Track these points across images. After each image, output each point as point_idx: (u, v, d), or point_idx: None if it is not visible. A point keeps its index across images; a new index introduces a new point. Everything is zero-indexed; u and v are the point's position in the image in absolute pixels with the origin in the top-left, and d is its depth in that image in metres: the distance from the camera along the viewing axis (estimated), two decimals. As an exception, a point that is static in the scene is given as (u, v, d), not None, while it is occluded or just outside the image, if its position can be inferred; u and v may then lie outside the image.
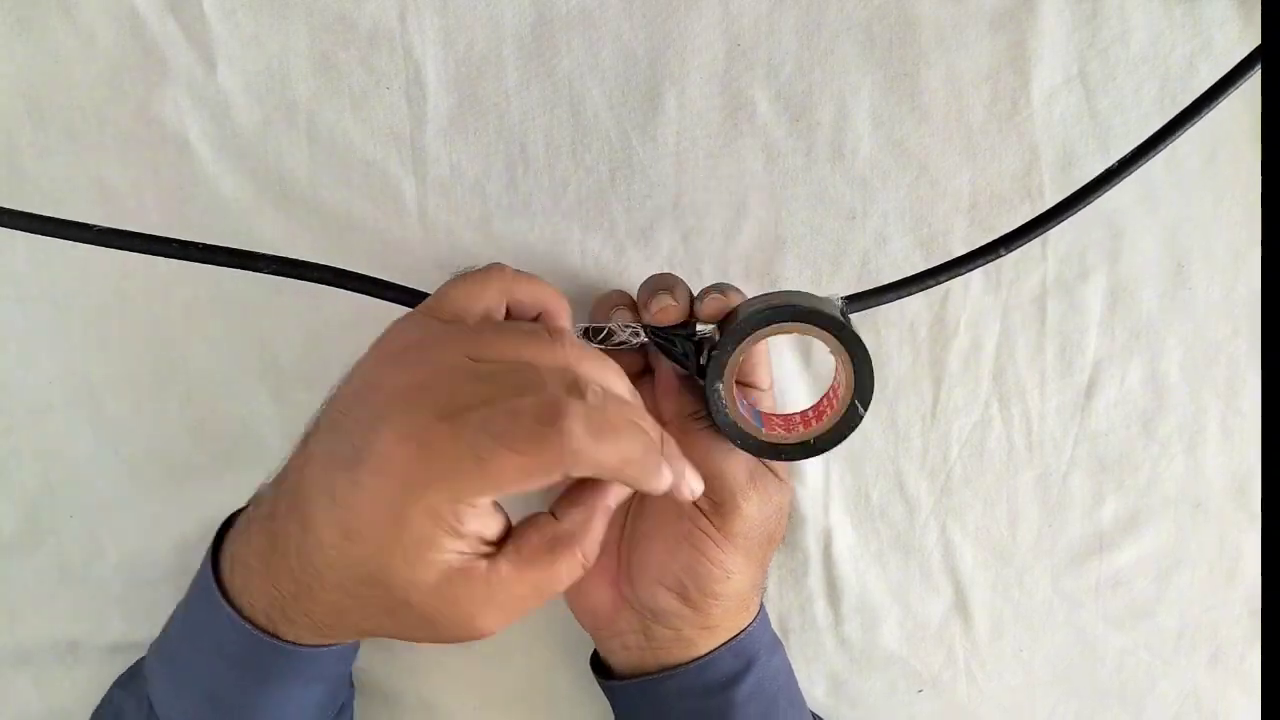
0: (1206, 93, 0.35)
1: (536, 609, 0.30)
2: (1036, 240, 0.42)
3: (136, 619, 0.44)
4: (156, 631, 0.44)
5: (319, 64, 0.40)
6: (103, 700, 0.40)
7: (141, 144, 0.40)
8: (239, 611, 0.33)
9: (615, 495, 0.32)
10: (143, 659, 0.40)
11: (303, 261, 0.36)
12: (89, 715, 0.40)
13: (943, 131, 0.41)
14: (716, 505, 0.37)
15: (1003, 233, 0.37)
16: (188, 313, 0.42)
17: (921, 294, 0.43)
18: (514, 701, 0.46)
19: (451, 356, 0.30)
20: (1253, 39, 0.40)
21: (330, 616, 0.31)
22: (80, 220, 0.34)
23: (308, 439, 0.33)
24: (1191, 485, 0.45)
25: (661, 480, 0.30)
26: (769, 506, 0.38)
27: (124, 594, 0.44)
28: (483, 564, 0.29)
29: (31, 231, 0.35)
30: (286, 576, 0.31)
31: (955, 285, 0.42)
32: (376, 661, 0.46)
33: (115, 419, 0.43)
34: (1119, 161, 0.36)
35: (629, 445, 0.29)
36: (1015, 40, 0.41)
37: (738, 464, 0.37)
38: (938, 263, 0.42)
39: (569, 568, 0.30)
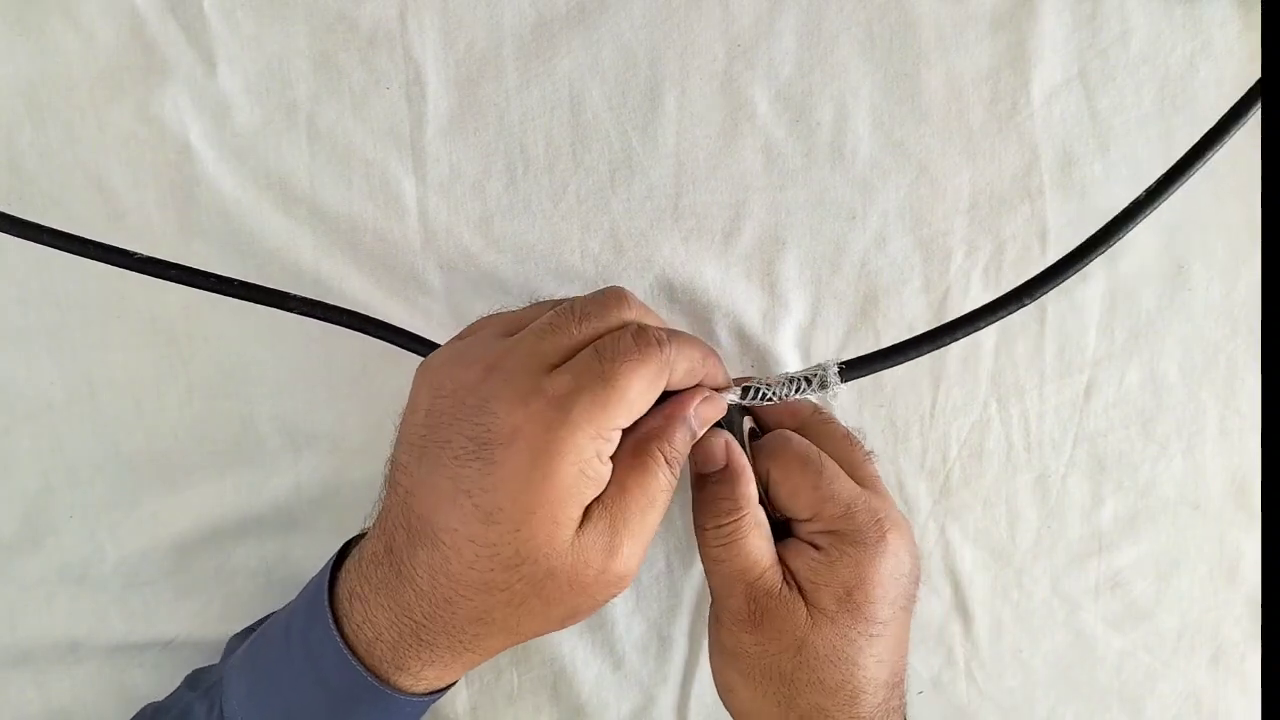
0: (1219, 124, 0.34)
1: (656, 530, 0.32)
2: (1035, 240, 0.42)
3: (136, 619, 0.44)
4: (157, 631, 0.44)
5: (319, 64, 0.40)
6: (170, 697, 0.39)
7: (141, 144, 0.40)
8: (352, 648, 0.32)
9: (690, 402, 0.33)
10: (212, 666, 0.39)
11: (332, 305, 0.37)
12: (89, 715, 0.40)
13: (943, 131, 0.41)
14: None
15: (1012, 286, 0.35)
16: (188, 313, 0.42)
17: (921, 294, 0.43)
18: (513, 701, 0.46)
19: (503, 331, 0.32)
20: (1253, 40, 0.40)
21: (474, 626, 0.31)
22: (122, 247, 0.36)
23: (394, 482, 0.33)
24: (1191, 486, 0.45)
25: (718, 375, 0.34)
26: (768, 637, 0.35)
27: (124, 594, 0.44)
28: (595, 504, 0.31)
29: (75, 253, 0.36)
30: (417, 602, 0.31)
31: (955, 286, 0.42)
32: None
33: (115, 419, 0.43)
34: (1132, 204, 0.34)
35: (693, 349, 0.32)
36: (1015, 40, 0.41)
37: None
38: (937, 264, 0.42)
39: (658, 466, 0.32)
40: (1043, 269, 0.34)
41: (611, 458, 0.31)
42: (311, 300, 0.37)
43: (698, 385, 0.34)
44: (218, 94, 0.40)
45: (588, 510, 0.31)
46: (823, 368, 0.34)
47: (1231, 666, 0.46)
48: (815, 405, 0.40)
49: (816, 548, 0.35)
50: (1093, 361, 0.43)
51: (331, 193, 0.41)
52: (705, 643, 0.46)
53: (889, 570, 0.35)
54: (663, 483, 0.32)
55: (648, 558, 0.45)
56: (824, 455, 0.36)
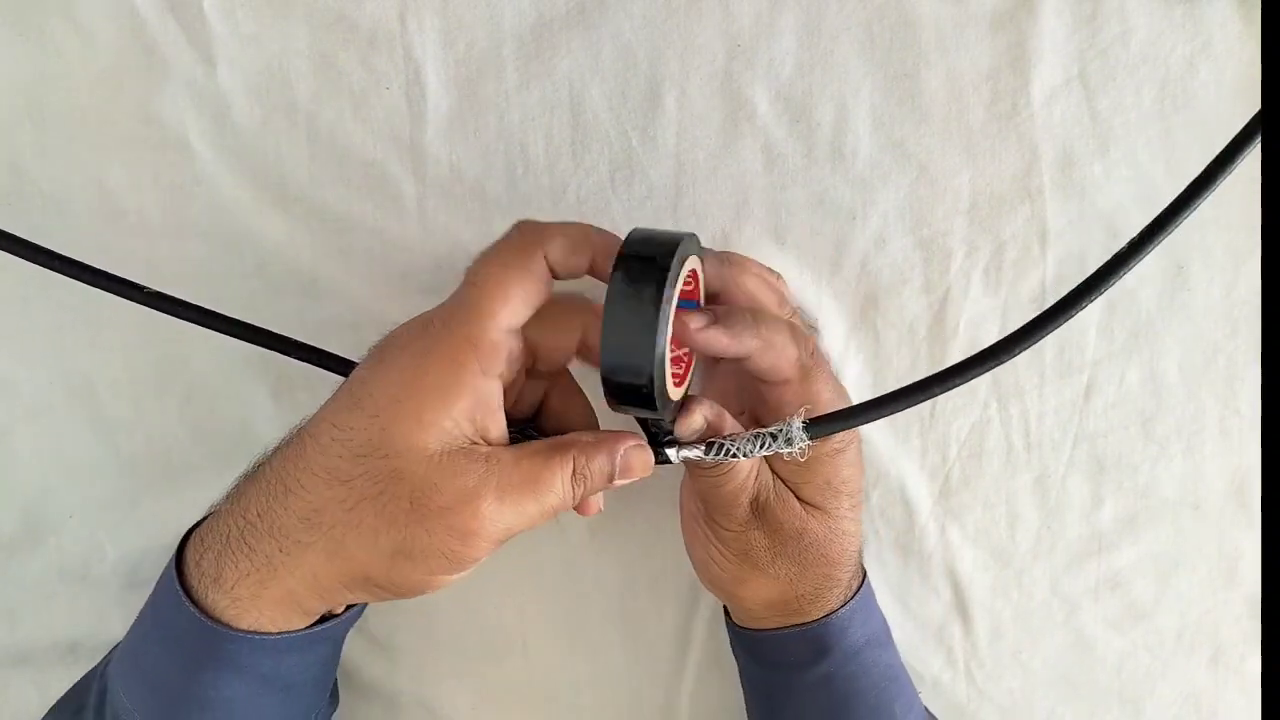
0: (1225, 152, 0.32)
1: (529, 525, 0.31)
2: (1035, 240, 0.42)
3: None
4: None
5: (319, 64, 0.40)
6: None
7: (141, 144, 0.40)
8: (182, 570, 0.33)
9: (623, 441, 0.33)
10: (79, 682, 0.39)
11: (341, 357, 0.38)
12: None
13: (943, 131, 0.41)
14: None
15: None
16: (187, 313, 0.42)
17: (921, 294, 0.43)
18: (512, 701, 0.46)
19: None
20: (1253, 40, 0.40)
21: (300, 528, 0.30)
22: (132, 279, 0.37)
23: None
24: (1190, 486, 0.44)
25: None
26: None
27: (124, 594, 0.44)
28: (484, 447, 0.31)
29: (83, 281, 0.37)
30: (256, 497, 0.31)
31: (955, 286, 0.42)
32: (375, 661, 0.46)
33: (115, 419, 0.43)
34: (1143, 232, 0.32)
35: (573, 229, 0.33)
36: (1015, 40, 0.40)
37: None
38: (937, 264, 0.42)
39: (563, 469, 0.31)
40: (1025, 322, 0.32)
41: (524, 444, 0.32)
42: (320, 351, 0.38)
43: (630, 434, 0.33)
44: (218, 94, 0.40)
45: (469, 448, 0.30)
46: (788, 424, 0.33)
47: (1231, 666, 0.46)
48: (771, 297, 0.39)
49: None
50: (1093, 361, 0.43)
51: (331, 192, 0.41)
52: (705, 642, 0.46)
53: (857, 449, 0.38)
54: (557, 483, 0.31)
55: (647, 557, 0.45)
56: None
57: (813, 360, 0.36)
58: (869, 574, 0.42)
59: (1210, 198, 0.42)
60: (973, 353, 0.44)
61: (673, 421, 0.33)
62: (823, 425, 0.33)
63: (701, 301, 0.36)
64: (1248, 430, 0.44)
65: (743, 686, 0.43)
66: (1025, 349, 0.32)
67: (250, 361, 0.42)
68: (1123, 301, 0.43)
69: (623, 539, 0.45)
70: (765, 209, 0.42)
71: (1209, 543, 0.45)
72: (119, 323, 0.42)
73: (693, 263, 0.33)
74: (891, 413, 0.33)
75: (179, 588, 0.33)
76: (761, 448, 0.33)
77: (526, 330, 0.33)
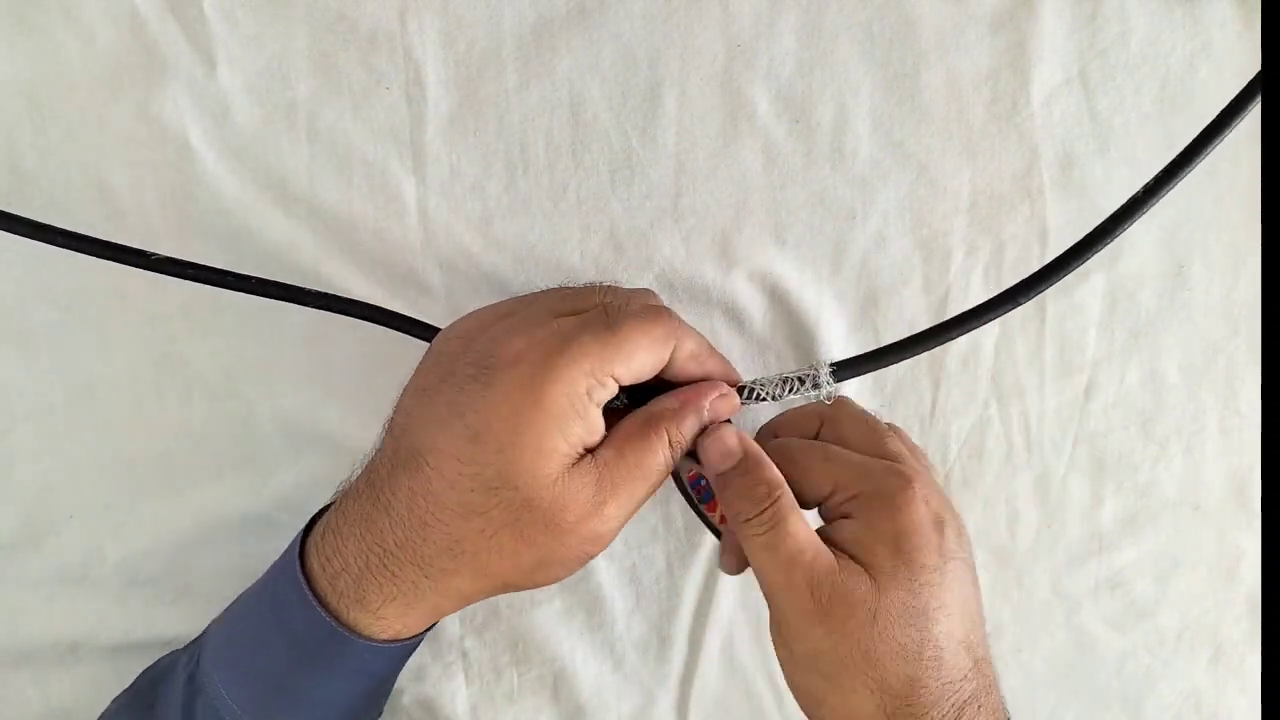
0: (1218, 119, 0.32)
1: (645, 501, 0.33)
2: (1035, 240, 0.42)
3: (136, 619, 0.44)
4: (157, 631, 0.44)
5: (319, 64, 0.40)
6: (165, 656, 0.40)
7: (141, 144, 0.40)
8: (315, 583, 0.33)
9: (708, 394, 0.34)
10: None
11: (350, 299, 0.38)
12: (89, 715, 0.40)
13: (943, 131, 0.41)
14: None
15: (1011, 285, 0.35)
16: (187, 313, 0.42)
17: (921, 294, 0.43)
18: (513, 701, 0.46)
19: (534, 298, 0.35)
20: (1253, 40, 0.40)
21: (442, 557, 0.32)
22: (138, 247, 0.36)
23: (389, 425, 0.34)
24: (1191, 486, 0.44)
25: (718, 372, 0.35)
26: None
27: (124, 594, 0.44)
28: (588, 456, 0.32)
29: (90, 254, 0.36)
30: (391, 528, 0.32)
31: (955, 286, 0.42)
32: (376, 661, 0.46)
33: (115, 419, 0.43)
34: (1135, 196, 0.33)
35: (702, 339, 0.34)
36: (1015, 40, 0.40)
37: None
38: (937, 264, 0.42)
39: (661, 444, 0.32)
40: (1040, 267, 0.34)
41: (618, 424, 0.33)
42: (325, 294, 0.38)
43: (712, 380, 0.34)
44: (218, 94, 0.40)
45: (580, 461, 0.31)
46: (815, 367, 0.34)
47: (1231, 666, 0.46)
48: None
49: (849, 517, 0.34)
50: (1093, 361, 0.43)
51: (331, 193, 0.41)
52: (705, 642, 0.46)
53: (925, 514, 0.33)
54: (660, 460, 0.32)
55: (648, 557, 0.45)
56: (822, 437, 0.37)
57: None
58: None
59: (1210, 197, 0.42)
60: (974, 357, 0.44)
61: None
62: (849, 368, 0.35)
63: None
64: (1248, 430, 0.44)
65: None
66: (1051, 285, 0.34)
67: (250, 361, 0.42)
68: (1123, 301, 0.43)
69: (623, 539, 0.45)
70: (765, 209, 0.42)
71: (1209, 543, 0.45)
72: (119, 323, 0.42)
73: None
74: (929, 348, 0.35)
75: (314, 600, 0.33)
76: (790, 391, 0.34)
77: None
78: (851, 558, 0.33)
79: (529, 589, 0.34)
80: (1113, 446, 0.44)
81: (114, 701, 0.39)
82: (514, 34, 0.40)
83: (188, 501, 0.43)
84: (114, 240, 0.36)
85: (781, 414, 0.38)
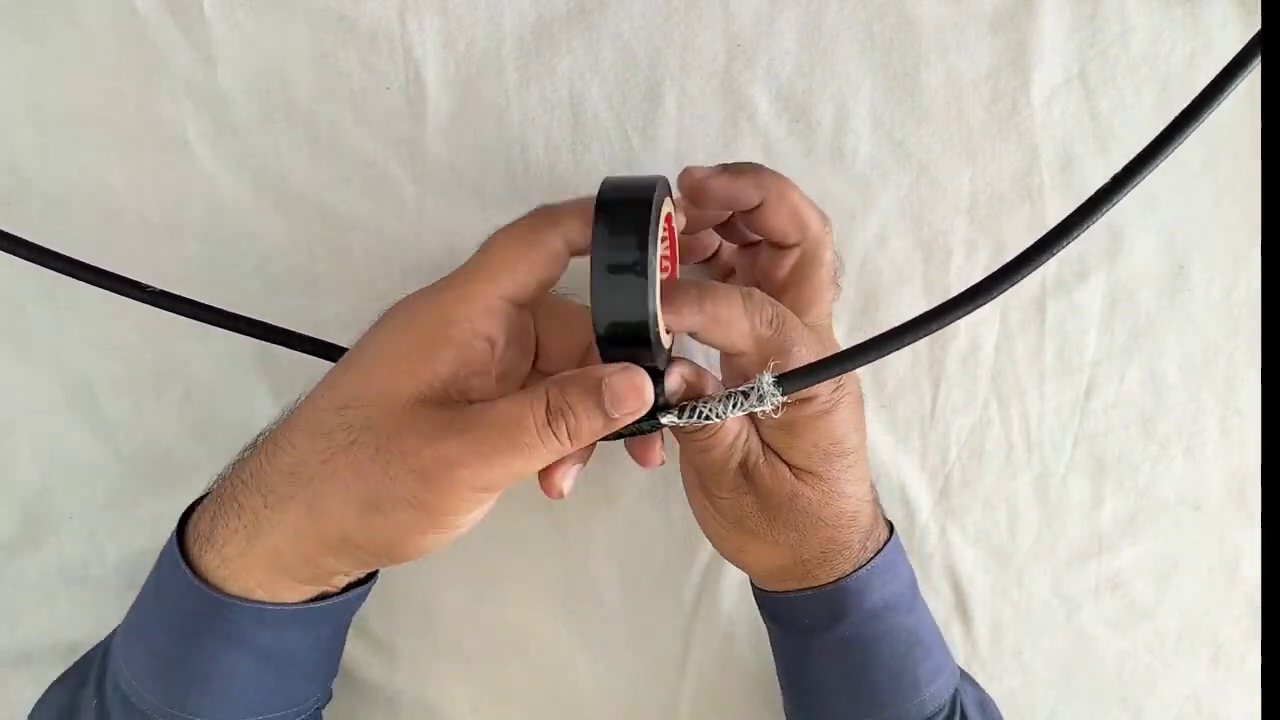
0: (1205, 91, 0.32)
1: (510, 474, 0.29)
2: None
3: (136, 619, 0.44)
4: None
5: (319, 64, 0.40)
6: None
7: (141, 144, 0.40)
8: (183, 536, 0.33)
9: (605, 369, 0.30)
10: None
11: (342, 348, 0.38)
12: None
13: (943, 131, 0.41)
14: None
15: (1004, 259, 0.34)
16: (187, 313, 0.42)
17: (921, 294, 0.43)
18: (512, 702, 0.46)
19: None
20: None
21: (283, 481, 0.31)
22: (136, 279, 0.37)
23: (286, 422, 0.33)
24: (1191, 486, 0.44)
25: None
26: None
27: (124, 594, 0.44)
28: (461, 402, 0.31)
29: (88, 282, 0.37)
30: (252, 459, 0.32)
31: (955, 285, 0.42)
32: (375, 661, 0.46)
33: (115, 419, 0.43)
34: (1124, 169, 0.32)
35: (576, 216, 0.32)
36: (1015, 40, 0.40)
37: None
38: (937, 264, 0.42)
39: (535, 410, 0.29)
40: (1026, 248, 0.32)
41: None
42: (314, 339, 0.38)
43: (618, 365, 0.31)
44: (218, 94, 0.40)
45: (442, 403, 0.30)
46: (759, 381, 0.32)
47: (1231, 666, 0.46)
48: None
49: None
50: (1093, 361, 0.43)
51: (331, 193, 0.41)
52: (706, 643, 0.46)
53: (849, 409, 0.35)
54: (530, 428, 0.29)
55: (647, 557, 0.45)
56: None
57: (772, 329, 0.33)
58: None
59: (1210, 197, 0.42)
60: (974, 357, 0.44)
61: (666, 365, 0.32)
62: (794, 380, 0.32)
63: (675, 248, 0.35)
64: (1248, 430, 0.44)
65: (772, 650, 0.42)
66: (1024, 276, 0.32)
67: (250, 361, 0.42)
68: (1123, 302, 0.43)
69: (623, 539, 0.45)
70: (765, 209, 0.42)
71: (1209, 543, 0.45)
72: (119, 323, 0.42)
73: (667, 206, 0.32)
74: (862, 364, 0.31)
75: (178, 553, 0.33)
76: (735, 408, 0.32)
77: (537, 327, 0.34)
78: (775, 453, 0.35)
79: (372, 555, 0.31)
80: (1113, 447, 0.44)
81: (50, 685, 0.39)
82: (514, 34, 0.40)
83: (187, 502, 0.43)
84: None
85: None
